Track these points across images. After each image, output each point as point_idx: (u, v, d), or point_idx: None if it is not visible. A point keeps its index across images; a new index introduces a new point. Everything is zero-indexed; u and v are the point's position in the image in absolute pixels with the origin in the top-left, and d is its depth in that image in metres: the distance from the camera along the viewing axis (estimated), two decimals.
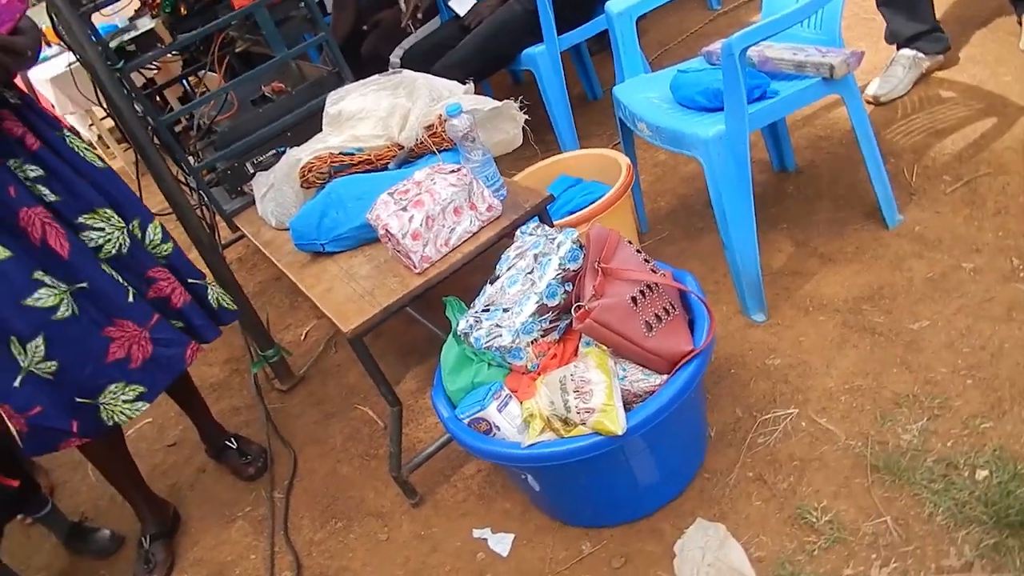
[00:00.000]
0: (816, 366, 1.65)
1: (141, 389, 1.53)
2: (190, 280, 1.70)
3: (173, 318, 1.64)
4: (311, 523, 1.83)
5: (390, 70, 2.03)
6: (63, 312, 1.42)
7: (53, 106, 3.99)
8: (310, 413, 2.18)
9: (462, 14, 2.76)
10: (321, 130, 1.97)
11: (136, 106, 1.96)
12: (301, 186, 1.87)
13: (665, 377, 1.35)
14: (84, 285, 1.46)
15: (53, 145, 1.50)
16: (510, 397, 1.40)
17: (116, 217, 1.54)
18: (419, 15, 2.94)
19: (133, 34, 2.19)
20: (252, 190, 2.07)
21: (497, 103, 1.81)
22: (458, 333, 1.49)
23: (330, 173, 1.83)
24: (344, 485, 1.89)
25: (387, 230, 1.52)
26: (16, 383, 1.41)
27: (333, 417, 2.13)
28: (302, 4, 2.25)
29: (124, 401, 1.51)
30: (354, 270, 1.66)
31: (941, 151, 2.10)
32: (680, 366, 1.34)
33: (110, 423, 1.51)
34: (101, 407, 1.50)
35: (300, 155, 1.87)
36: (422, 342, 2.21)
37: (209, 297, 1.74)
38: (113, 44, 2.15)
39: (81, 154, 1.54)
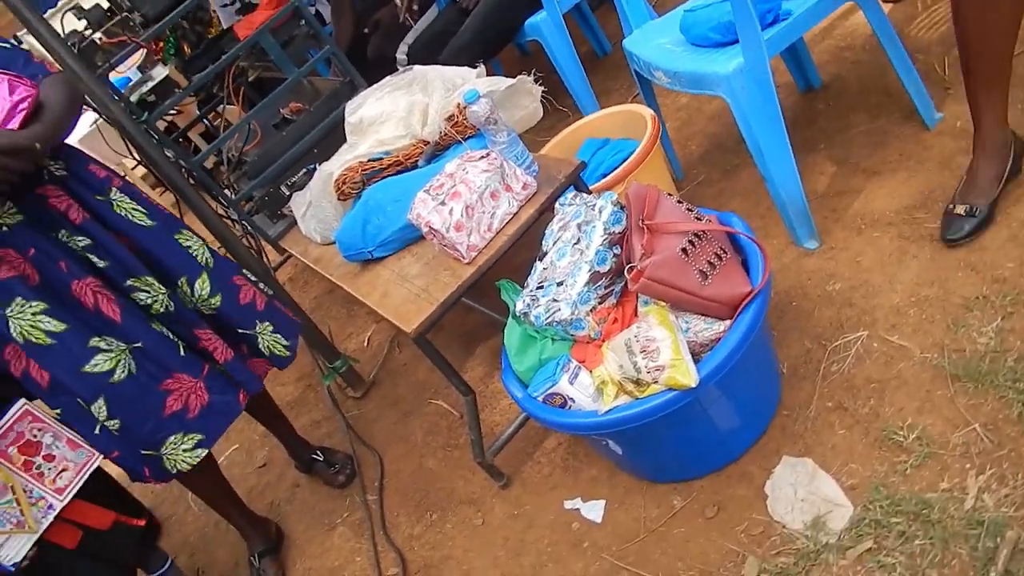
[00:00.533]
0: (879, 284, 1.62)
1: (199, 437, 1.59)
2: (240, 330, 1.70)
3: (220, 368, 1.68)
4: (407, 519, 1.89)
5: (399, 68, 2.05)
6: (119, 375, 1.48)
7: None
8: (387, 415, 2.24)
9: None
10: (345, 141, 2.00)
11: (167, 152, 2.03)
12: (338, 199, 1.91)
13: (728, 322, 1.35)
14: (139, 344, 1.52)
15: (98, 213, 1.53)
16: (579, 368, 1.42)
17: (158, 284, 1.57)
18: (415, 6, 2.93)
19: (151, 84, 2.24)
20: (292, 211, 2.12)
21: (511, 80, 1.81)
22: (517, 314, 1.51)
23: (363, 181, 1.86)
24: (432, 478, 1.95)
25: (430, 227, 1.55)
26: (96, 431, 1.52)
27: (410, 415, 2.19)
28: (302, 23, 2.27)
29: (184, 450, 1.58)
30: (405, 271, 1.70)
31: None
32: (741, 309, 1.34)
33: (174, 472, 1.59)
34: (164, 458, 1.57)
35: (331, 169, 1.91)
36: (481, 328, 2.24)
37: (261, 345, 1.74)
38: (134, 98, 2.21)
39: (128, 216, 1.57)
